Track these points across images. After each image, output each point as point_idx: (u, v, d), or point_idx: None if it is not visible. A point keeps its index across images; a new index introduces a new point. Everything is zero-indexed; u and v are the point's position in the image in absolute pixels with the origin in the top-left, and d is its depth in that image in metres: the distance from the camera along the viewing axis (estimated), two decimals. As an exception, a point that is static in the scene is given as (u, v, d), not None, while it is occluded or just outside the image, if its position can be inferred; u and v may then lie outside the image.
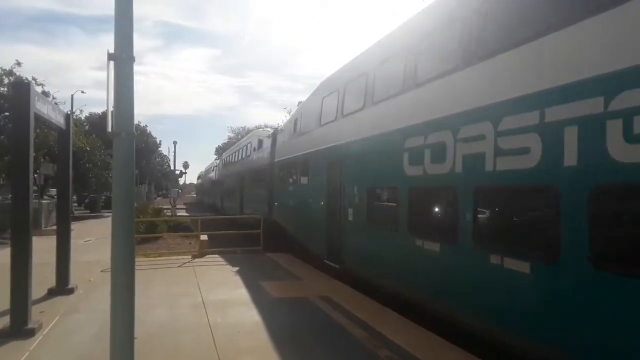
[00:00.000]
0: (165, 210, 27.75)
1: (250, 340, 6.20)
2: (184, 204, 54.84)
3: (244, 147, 24.79)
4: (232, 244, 15.57)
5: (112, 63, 3.09)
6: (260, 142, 20.75)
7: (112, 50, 3.08)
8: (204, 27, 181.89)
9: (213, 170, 37.17)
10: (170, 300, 8.35)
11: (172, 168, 43.72)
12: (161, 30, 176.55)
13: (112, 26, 3.06)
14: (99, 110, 52.81)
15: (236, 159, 27.17)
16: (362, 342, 6.17)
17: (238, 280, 10.20)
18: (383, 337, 6.32)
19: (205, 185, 48.52)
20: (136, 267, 11.82)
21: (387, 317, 7.35)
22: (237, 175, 25.46)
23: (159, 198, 63.98)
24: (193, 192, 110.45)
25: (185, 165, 57.58)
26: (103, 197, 41.11)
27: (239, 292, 9.05)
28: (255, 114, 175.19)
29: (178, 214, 31.15)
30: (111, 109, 3.05)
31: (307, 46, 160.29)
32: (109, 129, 3.00)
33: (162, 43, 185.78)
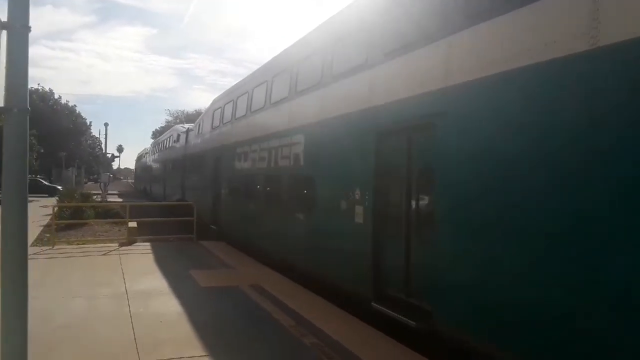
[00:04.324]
0: (95, 196, 26.36)
1: (171, 331, 6.00)
2: (118, 192, 47.77)
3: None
4: (166, 231, 15.07)
5: (4, 33, 2.80)
6: None
7: (4, 18, 2.79)
8: (141, 4, 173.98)
9: (177, 140, 24.92)
10: (90, 290, 7.93)
11: (103, 151, 41.60)
12: (95, 6, 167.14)
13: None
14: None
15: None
16: (288, 329, 6.15)
17: (166, 268, 9.86)
18: (311, 325, 6.33)
19: (154, 167, 35.89)
20: (57, 256, 11.12)
21: (317, 305, 7.37)
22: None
23: (89, 183, 60.87)
24: (129, 178, 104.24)
25: (120, 149, 55.02)
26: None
27: (166, 281, 8.75)
28: (195, 97, 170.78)
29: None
30: (2, 81, 2.77)
31: (251, 30, 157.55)
32: (-2, 104, 2.72)
33: (96, 19, 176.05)
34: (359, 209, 6.77)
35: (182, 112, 75.76)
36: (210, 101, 17.96)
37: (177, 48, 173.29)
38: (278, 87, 10.48)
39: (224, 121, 14.75)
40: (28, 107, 2.85)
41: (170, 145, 27.03)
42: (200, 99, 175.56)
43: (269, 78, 11.10)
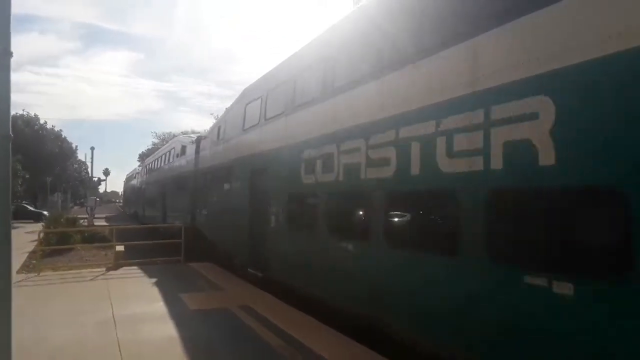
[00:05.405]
0: (82, 221, 25.99)
1: (160, 356, 5.90)
2: (106, 217, 44.08)
3: None
4: (154, 254, 14.87)
5: (-16, 59, 2.81)
6: None
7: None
8: (126, 29, 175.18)
9: (182, 153, 21.50)
10: (76, 318, 7.75)
11: (90, 175, 41.24)
12: (80, 32, 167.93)
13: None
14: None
15: None
16: (277, 350, 6.08)
17: (155, 292, 9.72)
18: (301, 345, 6.27)
19: (148, 188, 32.18)
20: (42, 283, 10.89)
21: (306, 324, 7.31)
22: None
23: (76, 207, 60.10)
24: (117, 201, 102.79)
25: (106, 172, 54.70)
26: (12, 206, 37.86)
27: (155, 305, 8.62)
28: (181, 119, 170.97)
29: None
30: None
31: (237, 53, 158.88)
32: (-20, 131, 2.70)
33: (81, 45, 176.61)
34: None
35: (169, 133, 75.47)
36: (195, 122, 15.30)
37: (162, 71, 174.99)
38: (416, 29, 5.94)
39: (268, 115, 10.50)
40: (10, 133, 2.84)
41: (171, 160, 23.92)
42: (186, 120, 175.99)
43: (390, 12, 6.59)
